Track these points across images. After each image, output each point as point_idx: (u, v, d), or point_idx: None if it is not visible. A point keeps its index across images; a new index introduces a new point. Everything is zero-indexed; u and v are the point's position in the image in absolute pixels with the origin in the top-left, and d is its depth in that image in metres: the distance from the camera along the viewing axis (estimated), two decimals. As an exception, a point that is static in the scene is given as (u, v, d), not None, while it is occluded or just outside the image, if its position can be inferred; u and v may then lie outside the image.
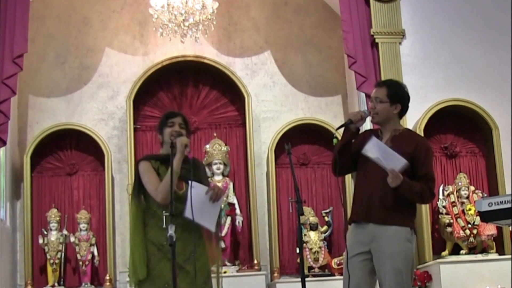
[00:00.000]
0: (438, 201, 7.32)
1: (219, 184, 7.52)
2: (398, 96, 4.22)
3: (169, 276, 3.97)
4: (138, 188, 4.22)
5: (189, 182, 4.01)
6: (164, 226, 4.06)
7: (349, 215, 7.87)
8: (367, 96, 7.35)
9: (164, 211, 4.10)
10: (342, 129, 4.27)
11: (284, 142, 5.59)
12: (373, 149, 4.02)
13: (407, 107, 4.29)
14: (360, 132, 4.31)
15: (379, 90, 4.23)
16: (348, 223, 4.28)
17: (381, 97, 4.18)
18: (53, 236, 7.57)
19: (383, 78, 7.41)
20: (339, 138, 4.25)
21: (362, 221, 4.12)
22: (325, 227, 7.85)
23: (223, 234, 7.47)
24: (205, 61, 8.19)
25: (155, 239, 4.07)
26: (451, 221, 7.20)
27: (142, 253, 4.10)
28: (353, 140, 4.24)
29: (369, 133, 4.27)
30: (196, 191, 4.00)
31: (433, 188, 4.17)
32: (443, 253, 7.20)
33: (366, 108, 4.23)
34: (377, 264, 4.07)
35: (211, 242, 4.26)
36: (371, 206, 4.08)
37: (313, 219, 7.77)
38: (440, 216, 7.30)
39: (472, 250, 7.20)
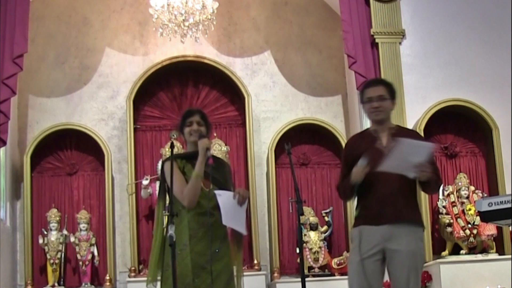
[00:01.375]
0: (438, 201, 7.33)
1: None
2: (394, 93, 4.29)
3: (190, 277, 4.01)
4: (163, 189, 4.25)
5: (215, 193, 4.09)
6: (188, 225, 4.10)
7: (349, 215, 7.90)
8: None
9: (164, 212, 4.13)
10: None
11: (284, 142, 5.59)
12: (400, 147, 3.96)
13: None
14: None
15: (379, 88, 4.23)
16: (359, 224, 4.16)
17: (384, 95, 4.19)
18: (53, 236, 7.56)
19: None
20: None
21: (387, 223, 4.05)
22: (325, 227, 7.85)
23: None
24: (205, 61, 8.19)
25: (178, 238, 4.04)
26: (451, 221, 7.20)
27: (159, 255, 4.13)
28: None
29: (359, 137, 4.27)
30: (223, 198, 4.07)
31: (440, 175, 4.23)
32: (443, 253, 7.20)
33: (362, 160, 4.13)
34: (394, 262, 4.06)
35: (234, 242, 4.31)
36: (399, 208, 4.05)
37: (313, 219, 7.77)
38: (440, 216, 7.30)
39: (472, 250, 7.20)
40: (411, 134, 4.34)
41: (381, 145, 4.13)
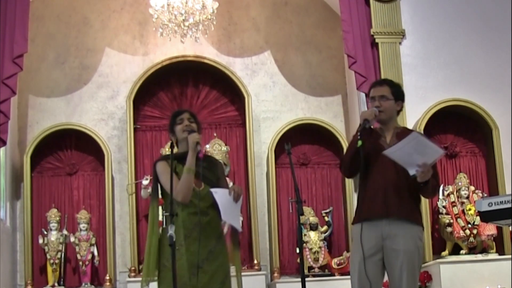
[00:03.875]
0: (438, 201, 7.32)
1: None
2: (400, 93, 4.32)
3: (186, 276, 4.02)
4: (156, 189, 4.25)
5: (210, 191, 4.11)
6: (182, 224, 4.10)
7: (349, 215, 7.92)
8: (367, 96, 7.35)
9: (164, 212, 4.14)
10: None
11: (284, 142, 5.60)
12: (410, 143, 3.96)
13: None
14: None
15: (382, 89, 4.26)
16: (355, 221, 4.19)
17: (386, 95, 4.22)
18: (53, 236, 7.56)
19: (383, 78, 7.42)
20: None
21: (377, 218, 4.07)
22: (325, 227, 7.85)
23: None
24: (205, 61, 8.19)
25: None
26: (451, 221, 7.20)
27: (156, 256, 4.14)
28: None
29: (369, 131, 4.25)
30: (219, 195, 4.10)
31: (440, 182, 4.25)
32: (443, 253, 7.20)
33: (372, 108, 4.21)
34: (390, 261, 4.07)
35: (231, 241, 4.32)
36: (388, 202, 4.06)
37: (313, 219, 7.77)
38: (440, 216, 7.30)
39: (472, 250, 7.20)
40: None
41: (384, 142, 4.17)
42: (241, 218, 7.09)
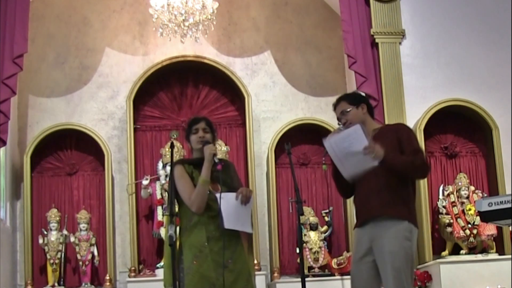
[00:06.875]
0: (438, 201, 7.33)
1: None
2: (356, 98, 4.30)
3: (214, 276, 4.01)
4: (174, 192, 4.21)
5: (217, 196, 4.08)
6: (205, 227, 4.10)
7: (349, 215, 7.95)
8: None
9: (164, 212, 4.12)
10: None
11: (284, 142, 5.60)
12: (334, 151, 3.99)
13: (370, 104, 4.33)
14: None
15: (339, 106, 4.27)
16: (354, 227, 4.29)
17: (345, 108, 4.22)
18: (53, 236, 7.56)
19: (383, 78, 7.45)
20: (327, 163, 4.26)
21: (365, 223, 4.11)
22: (325, 227, 7.85)
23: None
24: (205, 61, 8.19)
25: (196, 240, 4.08)
26: (451, 221, 7.20)
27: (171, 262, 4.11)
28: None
29: None
30: (225, 201, 4.07)
31: (424, 158, 4.10)
32: (443, 253, 7.20)
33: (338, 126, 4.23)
34: (378, 263, 4.06)
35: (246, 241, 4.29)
36: (371, 206, 4.07)
37: (313, 219, 7.77)
38: (440, 216, 7.30)
39: (472, 250, 7.20)
40: (391, 128, 4.35)
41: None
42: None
